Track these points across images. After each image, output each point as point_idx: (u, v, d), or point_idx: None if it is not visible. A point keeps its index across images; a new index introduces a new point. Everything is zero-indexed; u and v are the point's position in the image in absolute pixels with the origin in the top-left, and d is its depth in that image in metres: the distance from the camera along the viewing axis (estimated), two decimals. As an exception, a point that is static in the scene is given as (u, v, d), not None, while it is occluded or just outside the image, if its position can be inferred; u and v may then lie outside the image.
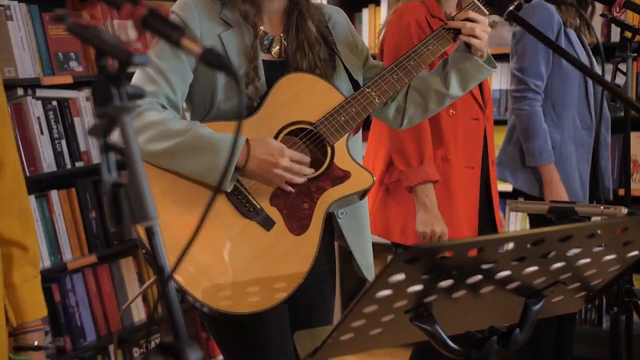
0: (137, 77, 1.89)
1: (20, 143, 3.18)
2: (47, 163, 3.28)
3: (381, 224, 2.65)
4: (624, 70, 2.50)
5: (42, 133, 3.27)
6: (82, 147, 3.46)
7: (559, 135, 3.05)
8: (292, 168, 1.84)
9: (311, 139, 1.93)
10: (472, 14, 1.91)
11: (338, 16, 2.09)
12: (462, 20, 1.92)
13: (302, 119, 1.93)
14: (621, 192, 3.82)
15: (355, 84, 2.02)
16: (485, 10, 1.94)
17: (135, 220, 1.02)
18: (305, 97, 1.93)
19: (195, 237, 0.98)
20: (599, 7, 3.36)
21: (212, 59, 1.00)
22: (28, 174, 3.19)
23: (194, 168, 1.81)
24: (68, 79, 3.34)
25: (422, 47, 1.96)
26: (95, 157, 3.50)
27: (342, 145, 1.95)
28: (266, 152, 1.82)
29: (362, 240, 2.09)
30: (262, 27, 1.96)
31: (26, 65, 3.20)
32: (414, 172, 2.50)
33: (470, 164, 2.60)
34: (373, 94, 1.94)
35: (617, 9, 2.44)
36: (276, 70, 1.95)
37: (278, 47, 1.98)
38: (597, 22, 4.03)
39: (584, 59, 3.05)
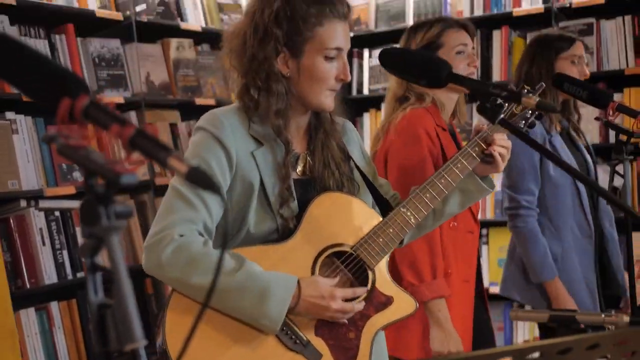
0: (172, 199, 1.79)
1: (21, 255, 3.17)
2: (48, 274, 3.27)
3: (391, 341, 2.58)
4: (622, 172, 2.52)
5: (43, 244, 3.28)
6: (84, 257, 3.45)
7: (560, 247, 3.03)
8: (344, 309, 1.80)
9: (351, 263, 1.89)
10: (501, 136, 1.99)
11: (349, 130, 2.09)
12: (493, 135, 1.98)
13: (340, 242, 1.89)
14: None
15: (381, 199, 2.01)
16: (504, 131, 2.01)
17: (121, 342, 1.01)
18: (342, 217, 1.90)
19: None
20: (595, 111, 3.42)
21: (198, 178, 1.01)
22: (29, 286, 3.17)
23: (243, 311, 1.75)
24: (71, 190, 3.37)
25: (451, 165, 1.97)
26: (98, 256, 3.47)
27: (382, 268, 1.92)
28: (317, 296, 1.78)
29: None
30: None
31: (30, 177, 3.24)
32: (428, 287, 2.43)
33: (467, 278, 2.57)
34: (409, 213, 1.93)
35: (612, 112, 2.47)
36: (304, 188, 1.92)
37: (302, 165, 1.95)
38: (594, 123, 4.09)
39: (575, 162, 3.06)
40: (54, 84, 1.08)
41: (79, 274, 3.41)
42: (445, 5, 4.70)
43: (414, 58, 1.95)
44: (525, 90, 1.84)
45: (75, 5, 3.54)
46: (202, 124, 1.85)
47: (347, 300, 1.83)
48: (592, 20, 4.28)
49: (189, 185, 1.73)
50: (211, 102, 4.22)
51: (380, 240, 1.89)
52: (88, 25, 3.66)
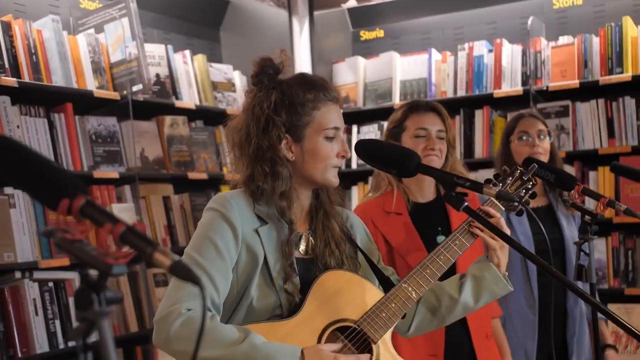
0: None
1: (14, 325, 3.27)
2: (40, 344, 3.37)
3: None
4: (587, 251, 2.65)
5: (36, 314, 3.38)
6: (76, 327, 3.55)
7: (505, 312, 3.18)
8: None
9: (355, 337, 1.95)
10: (491, 210, 2.11)
11: (355, 220, 2.20)
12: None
13: (344, 317, 1.96)
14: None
15: (383, 278, 2.10)
16: (501, 207, 2.14)
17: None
18: (345, 294, 1.97)
19: None
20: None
21: (180, 271, 1.15)
22: (20, 355, 3.26)
23: None
24: (65, 262, 3.49)
25: (450, 242, 2.08)
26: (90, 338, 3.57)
27: (385, 342, 1.99)
28: None
29: None
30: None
31: (25, 249, 3.36)
32: None
33: (434, 352, 2.66)
34: (410, 288, 2.01)
35: (577, 195, 2.62)
36: (306, 267, 2.01)
37: (305, 245, 2.04)
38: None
39: (532, 238, 3.21)
40: (53, 185, 1.23)
41: (71, 344, 3.50)
42: (430, 85, 4.91)
43: (384, 149, 2.11)
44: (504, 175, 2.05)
45: (75, 85, 3.72)
46: (211, 205, 1.97)
47: None
48: (568, 102, 4.49)
49: (195, 262, 1.87)
50: (204, 176, 4.39)
51: (383, 314, 1.97)
52: (86, 103, 3.84)
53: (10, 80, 3.33)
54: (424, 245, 2.69)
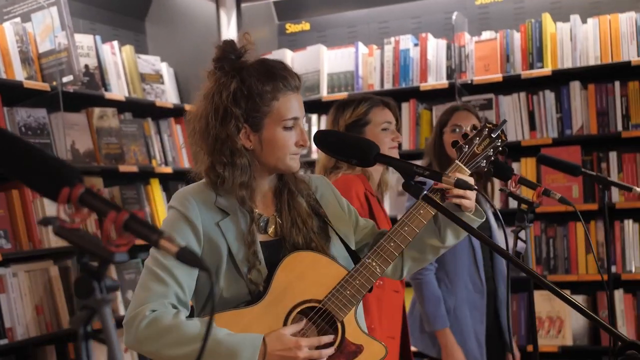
0: (145, 278, 1.92)
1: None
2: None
3: None
4: (524, 238, 2.78)
5: (-32, 310, 3.29)
6: (7, 324, 3.47)
7: (454, 300, 3.31)
8: (312, 356, 1.91)
9: (321, 317, 1.98)
10: (459, 175, 2.00)
11: (323, 185, 2.20)
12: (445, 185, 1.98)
13: (309, 298, 1.98)
14: (530, 348, 4.06)
15: (350, 251, 2.12)
16: (467, 170, 2.08)
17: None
18: (309, 275, 1.99)
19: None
20: (497, 182, 3.74)
21: (187, 257, 1.17)
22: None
23: None
24: (-6, 256, 3.41)
25: (414, 212, 2.05)
26: (20, 334, 3.51)
27: (351, 319, 2.00)
28: (283, 348, 1.88)
29: None
30: (256, 210, 2.03)
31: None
32: None
33: (392, 334, 2.75)
34: (374, 264, 2.01)
35: (513, 184, 2.74)
36: (274, 249, 2.03)
37: (273, 227, 2.06)
38: (496, 192, 4.41)
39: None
40: (52, 174, 1.22)
41: (2, 341, 3.42)
42: (357, 78, 4.99)
43: (345, 140, 2.15)
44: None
45: (3, 76, 3.62)
46: (172, 204, 2.01)
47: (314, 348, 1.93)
48: (492, 95, 4.65)
49: (157, 263, 1.89)
50: (134, 169, 4.34)
51: (348, 292, 1.98)
52: (15, 94, 3.74)
53: (-61, 70, 3.22)
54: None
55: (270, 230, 2.06)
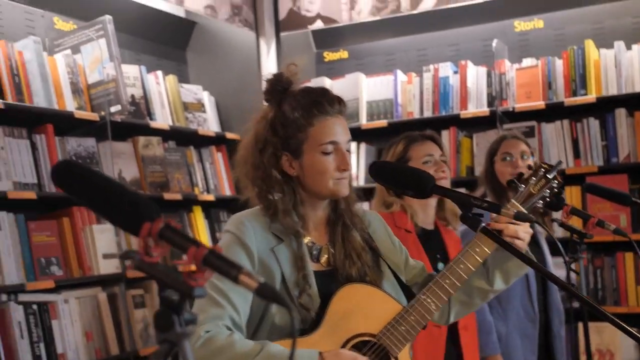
0: (203, 302, 1.92)
1: (1, 348, 3.23)
2: (25, 367, 3.33)
3: None
4: (577, 270, 2.77)
5: (22, 337, 3.34)
6: (59, 350, 3.52)
7: (505, 327, 3.28)
8: None
9: (375, 351, 1.97)
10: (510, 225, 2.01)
11: (376, 221, 2.21)
12: (505, 222, 2.01)
13: (364, 331, 1.97)
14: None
15: (403, 286, 2.12)
16: (523, 209, 2.05)
17: None
18: (364, 308, 1.98)
19: None
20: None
21: (266, 293, 1.19)
22: (7, 379, 3.23)
23: None
24: (50, 284, 3.47)
25: (469, 250, 2.05)
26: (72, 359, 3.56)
27: (405, 356, 2.00)
28: None
29: None
30: (309, 237, 2.05)
31: (11, 271, 3.33)
32: None
33: None
34: (429, 300, 2.01)
35: (566, 215, 2.73)
36: (326, 280, 2.03)
37: (326, 257, 2.07)
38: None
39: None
40: (133, 210, 1.26)
41: (54, 367, 3.48)
42: (396, 106, 5.02)
43: (401, 171, 2.18)
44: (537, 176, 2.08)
45: (55, 106, 3.70)
46: (228, 227, 2.03)
47: None
48: (534, 123, 4.65)
49: (213, 287, 1.91)
50: (178, 196, 4.39)
51: (403, 328, 1.99)
52: (66, 124, 3.83)
53: (-4, 102, 3.31)
54: (431, 266, 2.78)
55: (323, 259, 2.07)
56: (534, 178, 2.14)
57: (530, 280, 3.31)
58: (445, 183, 2.84)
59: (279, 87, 2.06)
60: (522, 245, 2.05)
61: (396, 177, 2.13)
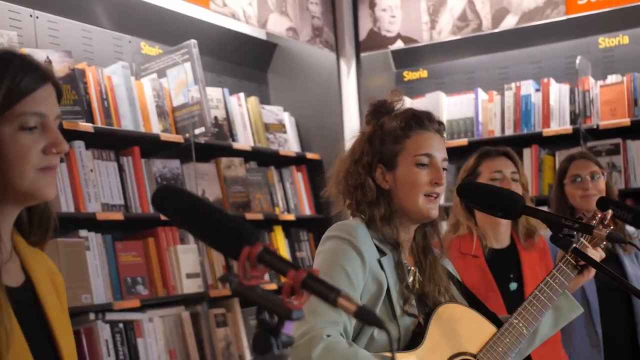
0: (319, 303, 1.95)
1: (91, 366, 3.32)
2: (113, 384, 3.41)
3: None
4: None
5: (109, 355, 3.42)
6: (145, 368, 3.60)
7: (571, 349, 3.19)
8: None
9: None
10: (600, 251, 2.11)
11: (446, 260, 2.24)
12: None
13: (465, 350, 2.01)
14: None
15: (484, 311, 2.12)
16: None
17: None
18: (462, 327, 2.01)
19: None
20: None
21: (366, 316, 1.19)
22: (97, 396, 3.31)
23: None
24: (136, 303, 3.55)
25: (557, 273, 2.08)
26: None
27: None
28: None
29: None
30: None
31: (99, 290, 3.42)
32: None
33: None
34: (521, 324, 2.05)
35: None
36: (418, 301, 2.05)
37: (412, 279, 2.07)
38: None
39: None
40: (234, 234, 1.28)
41: (140, 385, 3.55)
42: (477, 125, 4.98)
43: (490, 192, 2.16)
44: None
45: (142, 129, 3.80)
46: (337, 234, 2.00)
47: None
48: (619, 140, 4.54)
49: None
50: (259, 216, 4.44)
51: (500, 349, 2.02)
52: (151, 146, 3.92)
53: (87, 126, 3.42)
54: (499, 289, 2.74)
55: (409, 281, 2.06)
56: (593, 222, 2.15)
57: (591, 305, 3.22)
58: None
59: (382, 110, 2.09)
60: (592, 274, 2.14)
61: (485, 198, 2.11)
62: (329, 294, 1.22)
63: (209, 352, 3.98)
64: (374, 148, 2.05)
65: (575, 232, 2.07)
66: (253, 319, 4.42)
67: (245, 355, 4.21)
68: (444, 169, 2.04)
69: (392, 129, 2.04)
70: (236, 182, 4.43)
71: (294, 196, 4.91)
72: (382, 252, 2.00)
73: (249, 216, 4.37)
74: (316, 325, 1.85)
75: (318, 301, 1.88)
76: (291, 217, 4.75)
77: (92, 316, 3.42)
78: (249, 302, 1.40)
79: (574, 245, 1.97)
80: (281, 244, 4.72)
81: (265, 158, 4.75)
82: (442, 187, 2.05)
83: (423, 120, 2.05)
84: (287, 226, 4.83)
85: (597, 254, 2.13)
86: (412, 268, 2.09)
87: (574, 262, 2.08)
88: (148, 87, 3.92)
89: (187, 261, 3.91)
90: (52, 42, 3.67)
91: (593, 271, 2.11)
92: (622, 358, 3.22)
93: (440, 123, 2.10)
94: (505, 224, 2.89)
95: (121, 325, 3.54)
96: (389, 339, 1.17)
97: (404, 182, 2.03)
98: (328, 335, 1.84)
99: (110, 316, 3.51)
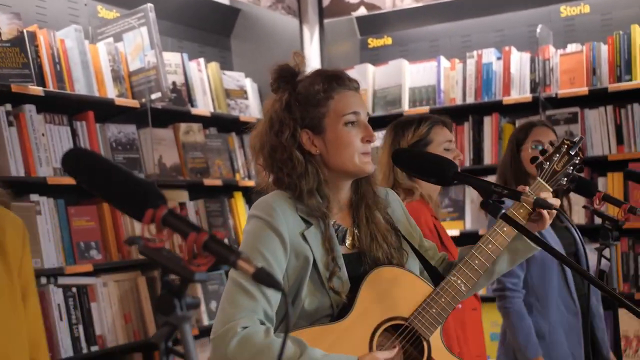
0: (233, 291, 1.87)
1: (42, 330, 3.32)
2: (65, 348, 3.42)
3: None
4: (608, 256, 2.72)
5: (61, 319, 3.43)
6: (98, 332, 3.61)
7: (547, 325, 3.23)
8: None
9: (407, 336, 1.96)
10: (542, 194, 2.02)
11: (394, 201, 2.18)
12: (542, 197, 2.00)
13: (395, 315, 1.96)
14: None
15: (425, 264, 2.11)
16: (549, 188, 2.07)
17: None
18: (394, 291, 1.96)
19: None
20: (582, 199, 3.67)
21: (264, 278, 1.21)
22: (47, 359, 3.31)
23: None
24: (89, 267, 3.55)
25: (498, 230, 2.03)
26: (110, 342, 3.63)
27: (437, 338, 1.98)
28: None
29: None
30: (333, 220, 2.01)
31: (51, 255, 3.42)
32: None
33: (479, 353, 2.74)
34: (459, 281, 1.99)
35: (598, 201, 2.69)
36: (354, 263, 2.00)
37: (351, 239, 2.03)
38: (580, 207, 4.33)
39: (561, 243, 3.25)
40: (138, 196, 1.28)
41: (93, 348, 3.56)
42: (439, 92, 4.98)
43: (424, 158, 2.17)
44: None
45: (96, 94, 3.77)
46: (256, 213, 1.95)
47: None
48: (577, 109, 4.57)
49: (245, 276, 1.86)
50: (218, 182, 4.44)
51: (434, 310, 1.97)
52: (107, 111, 3.90)
53: (37, 90, 3.39)
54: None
55: (348, 242, 2.04)
56: (557, 154, 2.13)
57: (567, 272, 3.25)
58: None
59: (287, 75, 2.04)
60: (548, 220, 2.03)
61: (420, 164, 2.12)
62: (229, 256, 1.23)
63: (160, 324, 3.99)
64: (295, 115, 1.98)
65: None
66: (212, 284, 4.44)
67: (203, 320, 4.24)
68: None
69: (313, 92, 1.98)
70: (195, 148, 4.42)
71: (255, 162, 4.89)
72: (307, 223, 1.96)
73: (208, 182, 4.37)
74: (233, 317, 1.83)
75: (235, 290, 1.91)
76: (252, 183, 4.74)
77: (43, 280, 3.42)
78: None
79: (503, 211, 1.98)
80: (241, 210, 4.73)
81: (226, 124, 4.73)
82: (373, 143, 2.02)
83: (344, 80, 2.02)
84: (247, 192, 4.83)
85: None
86: (349, 228, 2.05)
87: (528, 209, 2.01)
88: (103, 51, 3.88)
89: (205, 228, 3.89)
90: (2, 3, 3.61)
91: (548, 220, 2.03)
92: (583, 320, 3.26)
93: (357, 82, 2.06)
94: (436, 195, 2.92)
95: (74, 289, 3.55)
96: (283, 300, 1.17)
97: (336, 143, 1.98)
98: (244, 327, 1.82)
99: (62, 280, 3.51)
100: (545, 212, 2.00)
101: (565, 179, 2.13)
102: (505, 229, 2.02)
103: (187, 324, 1.25)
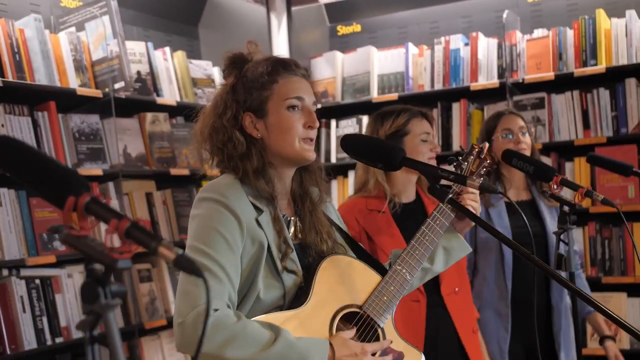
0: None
1: (2, 322, 3.30)
2: (28, 340, 3.40)
3: None
4: (567, 240, 2.73)
5: (24, 311, 3.41)
6: (63, 323, 3.59)
7: (478, 302, 3.27)
8: None
9: (363, 323, 2.00)
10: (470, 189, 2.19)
11: (330, 208, 2.22)
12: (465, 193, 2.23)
13: (350, 303, 2.00)
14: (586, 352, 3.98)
15: (364, 256, 2.13)
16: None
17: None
18: (347, 279, 2.00)
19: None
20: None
21: (185, 264, 1.20)
22: (9, 352, 3.29)
23: None
24: (51, 259, 3.52)
25: (433, 223, 2.16)
26: (75, 333, 3.61)
27: (389, 325, 2.04)
28: (350, 353, 1.87)
29: None
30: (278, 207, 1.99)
31: (12, 247, 3.39)
32: None
33: (415, 345, 2.73)
34: (404, 271, 2.08)
35: (556, 185, 2.69)
36: (299, 253, 2.01)
37: (293, 229, 2.04)
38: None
39: (511, 232, 3.28)
40: (59, 183, 1.27)
41: (58, 339, 3.54)
42: (408, 79, 4.97)
43: (371, 144, 2.17)
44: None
45: (58, 84, 3.74)
46: (209, 195, 1.90)
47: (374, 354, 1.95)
48: (544, 94, 4.58)
49: (208, 257, 1.81)
50: (185, 172, 4.42)
51: (385, 298, 2.03)
52: (69, 101, 3.86)
53: (-6, 80, 3.35)
54: (406, 242, 2.77)
55: (291, 232, 2.04)
56: (471, 157, 2.36)
57: (505, 258, 3.27)
58: (434, 163, 2.81)
59: (239, 62, 2.04)
60: (478, 208, 2.28)
61: (366, 150, 2.11)
62: (150, 243, 1.22)
63: (132, 307, 3.99)
64: (239, 97, 1.97)
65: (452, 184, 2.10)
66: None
67: (171, 310, 4.22)
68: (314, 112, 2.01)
69: (258, 75, 1.97)
70: (161, 137, 4.40)
71: (224, 151, 4.87)
72: (258, 210, 1.94)
73: (174, 171, 4.35)
74: (202, 300, 1.77)
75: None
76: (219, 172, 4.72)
77: (5, 272, 3.40)
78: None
79: (450, 195, 1.98)
80: (210, 200, 4.70)
81: (192, 113, 4.69)
82: (316, 131, 2.02)
83: (290, 65, 2.01)
84: (216, 182, 4.80)
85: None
86: (292, 218, 2.05)
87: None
88: (65, 41, 3.85)
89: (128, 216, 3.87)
90: (-42, -7, 3.58)
91: (472, 214, 2.07)
92: (528, 312, 3.26)
93: (307, 69, 2.05)
94: (413, 178, 2.91)
95: (37, 281, 3.52)
96: (205, 289, 1.16)
97: (277, 127, 1.97)
98: (216, 310, 1.78)
99: (25, 272, 3.48)
100: (468, 204, 2.23)
101: (481, 179, 2.17)
102: (437, 222, 2.17)
103: (111, 313, 1.24)
